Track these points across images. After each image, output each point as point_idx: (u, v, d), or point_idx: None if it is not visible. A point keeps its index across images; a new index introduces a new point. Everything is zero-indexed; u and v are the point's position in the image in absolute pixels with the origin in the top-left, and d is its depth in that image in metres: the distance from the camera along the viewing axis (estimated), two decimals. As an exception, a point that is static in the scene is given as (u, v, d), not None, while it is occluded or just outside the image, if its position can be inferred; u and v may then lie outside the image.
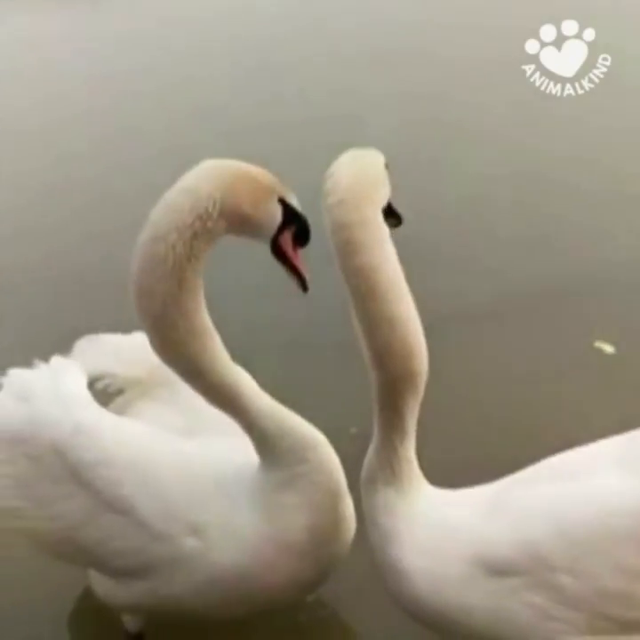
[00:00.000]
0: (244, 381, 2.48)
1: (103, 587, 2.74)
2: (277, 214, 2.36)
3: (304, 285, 2.41)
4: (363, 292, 2.22)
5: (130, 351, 2.99)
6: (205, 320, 2.37)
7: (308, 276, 2.41)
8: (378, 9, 8.76)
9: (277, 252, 2.40)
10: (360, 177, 2.27)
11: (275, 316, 4.01)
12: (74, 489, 2.58)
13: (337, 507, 2.53)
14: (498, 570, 2.23)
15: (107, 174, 6.26)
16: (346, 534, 2.59)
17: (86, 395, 2.74)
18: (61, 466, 2.59)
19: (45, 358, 2.88)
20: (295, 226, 2.38)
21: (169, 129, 6.85)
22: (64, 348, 2.96)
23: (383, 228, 2.27)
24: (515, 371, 3.90)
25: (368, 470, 2.43)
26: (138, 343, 2.98)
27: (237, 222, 2.32)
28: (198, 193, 2.27)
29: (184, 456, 2.63)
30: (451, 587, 2.28)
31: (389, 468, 2.38)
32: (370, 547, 2.46)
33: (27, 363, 2.86)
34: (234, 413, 2.50)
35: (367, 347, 2.27)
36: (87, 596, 2.92)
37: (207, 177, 2.30)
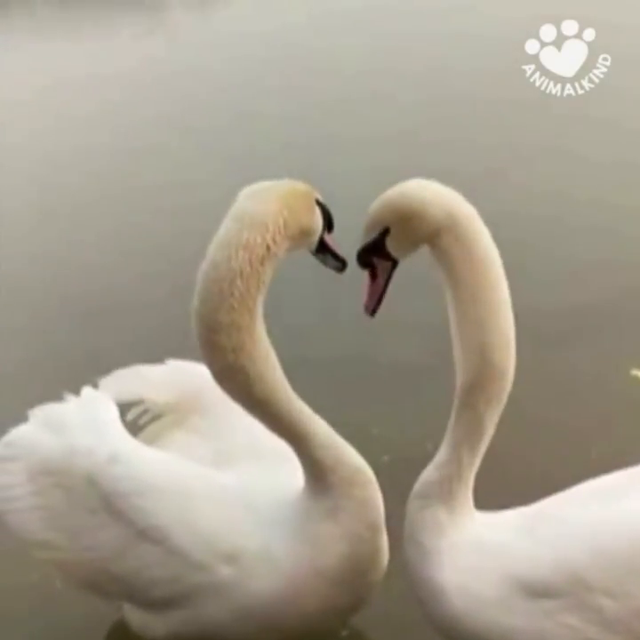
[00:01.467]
0: (305, 409, 2.49)
1: (138, 619, 2.73)
2: (320, 215, 2.42)
3: (345, 265, 2.49)
4: (491, 279, 2.28)
5: (159, 380, 2.99)
6: (269, 347, 2.39)
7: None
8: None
9: (321, 247, 2.47)
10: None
11: (304, 338, 4.03)
12: (108, 519, 2.57)
13: (374, 537, 2.53)
14: (537, 591, 2.24)
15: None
16: (380, 563, 2.60)
17: (119, 425, 2.74)
18: (95, 496, 2.59)
19: (73, 388, 2.88)
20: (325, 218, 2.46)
21: (221, 148, 6.87)
22: (91, 378, 2.97)
23: None
24: (550, 396, 3.89)
25: (424, 484, 2.42)
26: (166, 372, 3.00)
27: (299, 237, 2.37)
28: (265, 224, 2.29)
29: (218, 485, 2.63)
30: (489, 607, 2.29)
31: (448, 487, 2.38)
32: (405, 571, 2.45)
33: (55, 396, 2.86)
34: (293, 441, 2.50)
35: (468, 342, 2.29)
36: (120, 628, 2.90)
37: (266, 206, 2.31)
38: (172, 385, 2.97)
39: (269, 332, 2.36)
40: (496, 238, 2.28)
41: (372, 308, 2.39)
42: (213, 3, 12.09)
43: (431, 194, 2.32)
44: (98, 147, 7.23)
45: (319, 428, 2.50)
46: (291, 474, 2.58)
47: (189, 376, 2.96)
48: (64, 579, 2.79)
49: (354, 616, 2.73)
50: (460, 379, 2.34)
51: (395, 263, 2.39)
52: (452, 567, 2.34)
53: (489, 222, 2.28)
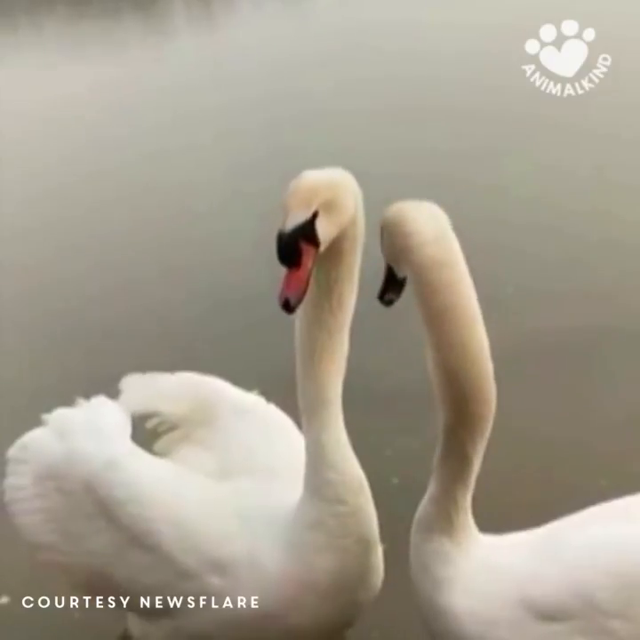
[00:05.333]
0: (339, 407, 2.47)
1: (138, 627, 2.77)
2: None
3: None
4: (443, 310, 2.21)
5: (173, 392, 3.02)
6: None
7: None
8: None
9: None
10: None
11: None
12: (104, 524, 2.62)
13: (365, 553, 2.53)
14: (549, 614, 2.25)
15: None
16: (372, 581, 2.59)
17: (122, 432, 2.78)
18: (92, 501, 2.64)
19: (89, 397, 2.93)
20: None
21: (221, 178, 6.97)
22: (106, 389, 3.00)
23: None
24: (561, 423, 3.91)
25: (423, 518, 2.43)
26: (178, 384, 3.03)
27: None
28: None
29: (213, 495, 2.66)
30: (500, 631, 2.29)
31: (447, 519, 2.38)
32: (404, 591, 2.46)
33: (70, 402, 2.91)
34: (315, 415, 2.44)
35: (443, 380, 2.26)
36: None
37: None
38: (185, 397, 3.01)
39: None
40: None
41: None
42: (219, 19, 12.07)
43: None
44: (96, 158, 7.27)
45: (341, 424, 2.46)
46: (283, 489, 2.60)
47: (199, 388, 3.02)
48: (66, 582, 2.84)
49: (344, 632, 2.72)
50: (442, 420, 2.32)
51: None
52: (463, 592, 2.34)
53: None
